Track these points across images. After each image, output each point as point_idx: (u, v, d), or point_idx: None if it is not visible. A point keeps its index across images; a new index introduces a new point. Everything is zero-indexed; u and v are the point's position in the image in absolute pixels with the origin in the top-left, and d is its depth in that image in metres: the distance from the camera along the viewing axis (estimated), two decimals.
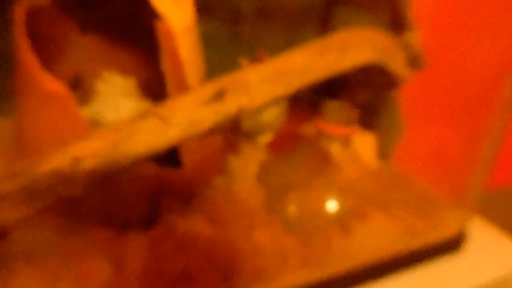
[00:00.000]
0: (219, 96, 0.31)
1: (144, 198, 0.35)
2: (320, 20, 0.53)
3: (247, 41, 0.57)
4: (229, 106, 0.31)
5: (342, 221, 0.36)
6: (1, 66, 0.44)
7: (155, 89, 0.44)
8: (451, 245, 0.43)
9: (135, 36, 0.45)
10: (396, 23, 0.42)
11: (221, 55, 0.42)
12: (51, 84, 0.31)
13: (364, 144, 0.43)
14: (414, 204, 0.42)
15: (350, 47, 0.33)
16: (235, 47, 0.55)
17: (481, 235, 0.45)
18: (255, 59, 0.33)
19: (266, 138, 0.34)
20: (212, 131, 0.32)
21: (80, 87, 0.45)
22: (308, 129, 0.39)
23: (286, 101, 0.34)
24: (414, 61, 0.40)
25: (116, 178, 0.32)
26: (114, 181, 0.32)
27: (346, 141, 0.37)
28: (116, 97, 0.41)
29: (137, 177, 0.34)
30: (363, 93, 0.39)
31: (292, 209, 0.36)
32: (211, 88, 0.31)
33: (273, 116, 0.34)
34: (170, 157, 0.37)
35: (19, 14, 0.33)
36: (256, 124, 0.33)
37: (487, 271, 0.41)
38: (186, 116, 0.30)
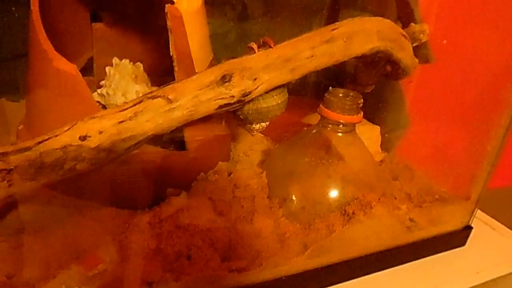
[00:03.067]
0: (225, 79, 0.32)
1: (150, 180, 0.35)
2: (326, 20, 0.53)
3: (254, 39, 0.57)
4: (234, 90, 0.32)
5: (344, 209, 0.36)
6: (9, 58, 0.46)
7: (161, 74, 0.45)
8: (456, 240, 0.42)
9: (143, 24, 0.46)
10: (404, 19, 0.42)
11: (229, 51, 0.43)
12: (63, 65, 0.32)
13: (369, 135, 0.43)
14: (418, 197, 0.41)
15: (356, 35, 0.33)
16: (242, 44, 0.55)
17: (486, 231, 0.44)
18: (262, 43, 0.33)
19: (262, 126, 0.34)
20: (218, 114, 0.33)
21: (92, 72, 0.47)
22: (313, 117, 0.39)
23: (286, 91, 0.34)
24: (422, 53, 0.40)
25: (122, 160, 0.32)
26: (121, 163, 0.33)
27: (351, 129, 0.37)
28: (125, 82, 0.42)
29: (143, 160, 0.34)
30: (369, 82, 0.39)
31: (294, 196, 0.36)
32: (217, 71, 0.32)
33: (274, 104, 0.34)
34: (175, 141, 0.38)
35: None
36: (256, 111, 0.33)
37: (492, 266, 0.40)
38: (192, 98, 0.31)
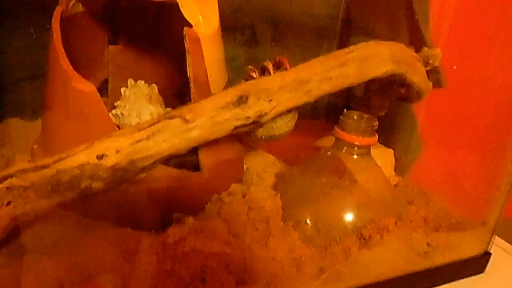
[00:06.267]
0: (241, 100, 0.32)
1: (164, 201, 0.35)
2: (337, 47, 0.54)
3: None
4: (250, 111, 0.32)
5: (361, 232, 0.35)
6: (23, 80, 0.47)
7: (175, 96, 0.45)
8: (475, 267, 0.41)
9: (158, 47, 0.47)
10: (415, 44, 0.43)
11: (239, 77, 0.43)
12: (81, 84, 0.33)
13: (383, 159, 0.43)
14: (434, 221, 0.41)
15: (371, 58, 0.33)
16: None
17: (505, 258, 0.43)
18: (277, 62, 0.33)
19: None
20: (233, 135, 0.33)
21: (106, 94, 0.47)
22: (326, 140, 0.39)
23: (297, 113, 0.35)
24: (434, 77, 0.40)
25: (136, 180, 0.32)
26: (134, 183, 0.33)
27: (366, 152, 0.37)
28: (140, 102, 0.42)
29: (156, 180, 0.34)
30: (382, 105, 0.39)
31: (309, 219, 0.35)
32: (234, 92, 0.32)
33: (286, 130, 0.34)
34: (190, 162, 0.38)
35: (55, 20, 0.35)
36: (270, 137, 0.34)
37: None
38: (209, 119, 0.31)
